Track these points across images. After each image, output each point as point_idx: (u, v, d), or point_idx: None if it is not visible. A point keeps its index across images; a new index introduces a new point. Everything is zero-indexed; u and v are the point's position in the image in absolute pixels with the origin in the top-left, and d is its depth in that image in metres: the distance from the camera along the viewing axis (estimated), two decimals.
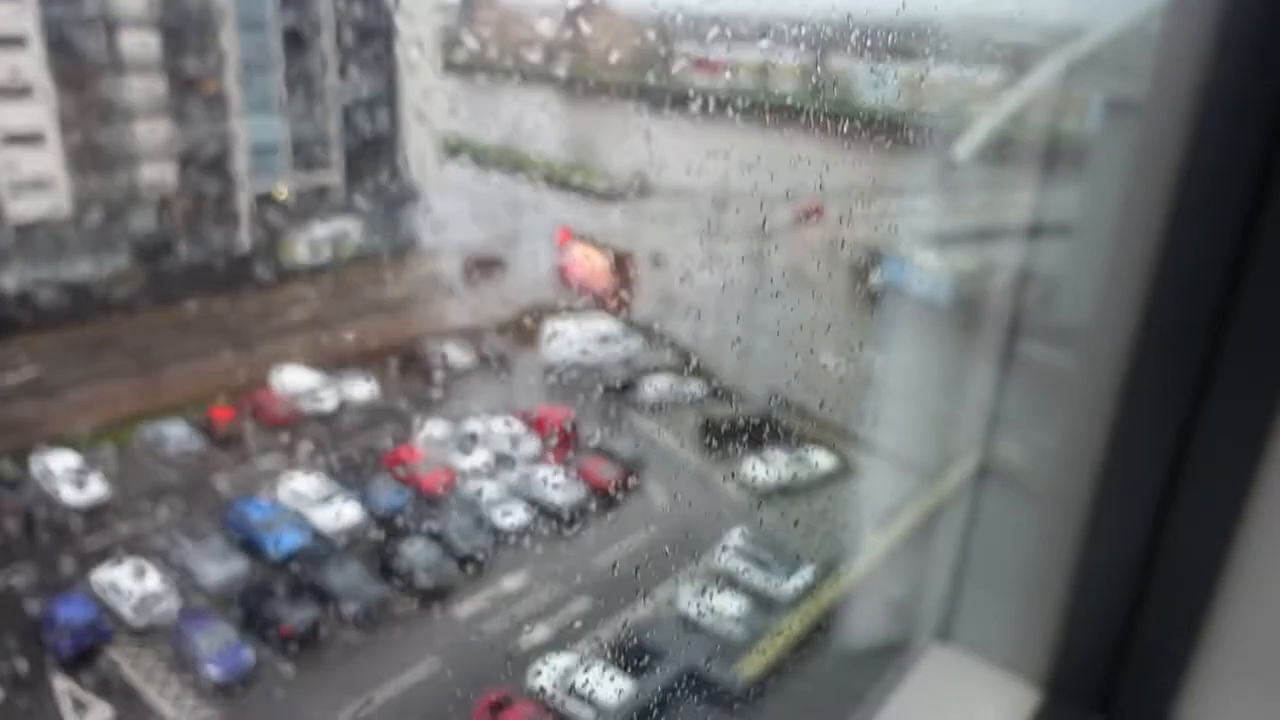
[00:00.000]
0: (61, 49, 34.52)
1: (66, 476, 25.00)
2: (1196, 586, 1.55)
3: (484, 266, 40.37)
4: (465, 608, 22.66)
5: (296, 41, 41.09)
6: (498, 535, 24.39)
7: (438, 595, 22.84)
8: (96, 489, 25.00)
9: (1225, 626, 1.53)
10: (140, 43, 36.43)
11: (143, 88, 37.16)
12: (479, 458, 26.59)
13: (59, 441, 26.20)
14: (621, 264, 38.34)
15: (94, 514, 24.42)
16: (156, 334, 33.82)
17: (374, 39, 45.19)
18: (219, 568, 22.76)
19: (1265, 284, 1.40)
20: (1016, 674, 2.02)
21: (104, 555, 22.82)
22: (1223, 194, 1.45)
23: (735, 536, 24.07)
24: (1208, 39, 1.42)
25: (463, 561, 23.61)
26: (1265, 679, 1.51)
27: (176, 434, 27.17)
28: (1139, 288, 1.54)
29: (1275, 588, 1.50)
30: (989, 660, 2.16)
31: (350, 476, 26.25)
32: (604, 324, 35.30)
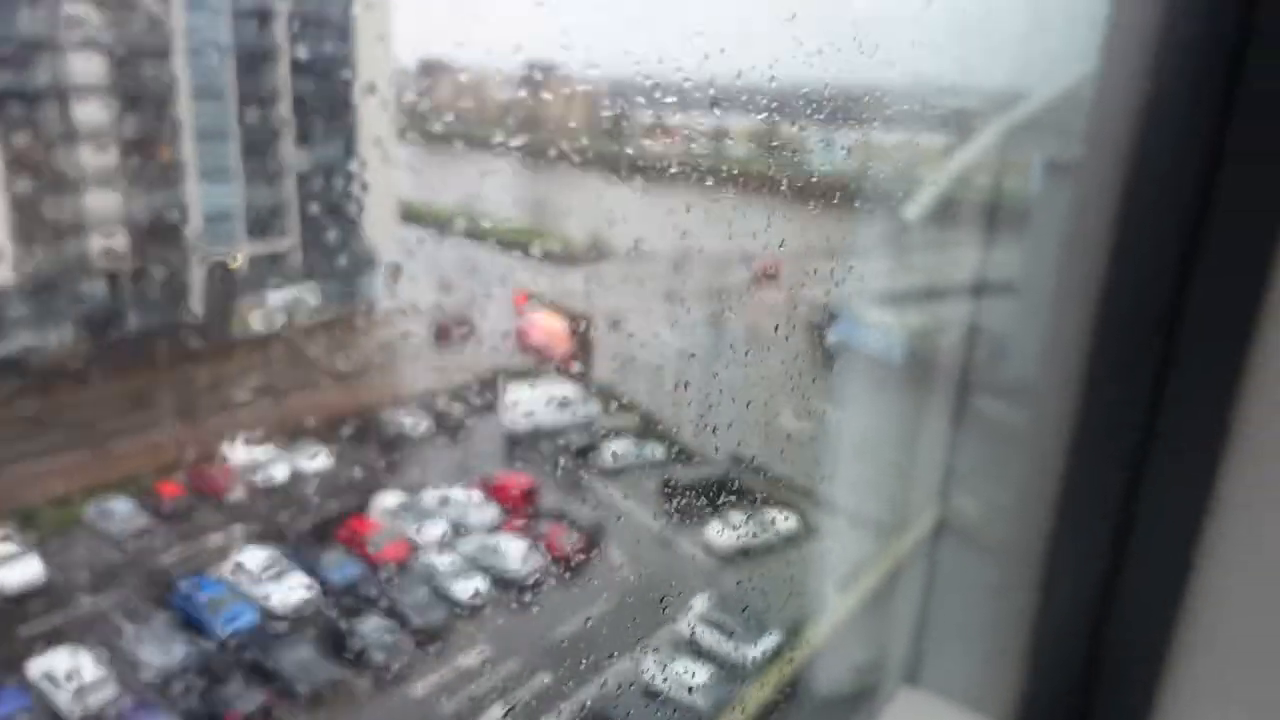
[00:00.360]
0: (11, 117, 34.23)
1: (2, 558, 23.99)
2: (1154, 625, 1.55)
3: (458, 327, 40.30)
4: (422, 686, 21.96)
5: (253, 109, 41.24)
6: (456, 608, 23.80)
7: (393, 674, 22.13)
8: (33, 571, 23.99)
9: (1185, 661, 1.54)
10: (94, 111, 36.27)
11: (95, 156, 36.89)
12: (436, 528, 26.08)
13: None
14: (580, 327, 38.44)
15: (31, 598, 23.38)
16: (102, 407, 32.94)
17: (332, 106, 45.55)
18: (163, 651, 21.86)
19: (1201, 335, 1.44)
20: (985, 713, 1.99)
21: (41, 642, 21.80)
22: (1157, 250, 1.50)
23: (698, 602, 23.78)
24: (1138, 104, 1.48)
25: (419, 637, 22.97)
26: (1223, 713, 1.52)
27: (121, 511, 26.28)
28: (1082, 343, 1.57)
29: (1229, 625, 1.50)
30: (958, 701, 2.13)
31: (302, 550, 25.54)
32: (563, 388, 35.14)
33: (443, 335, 40.77)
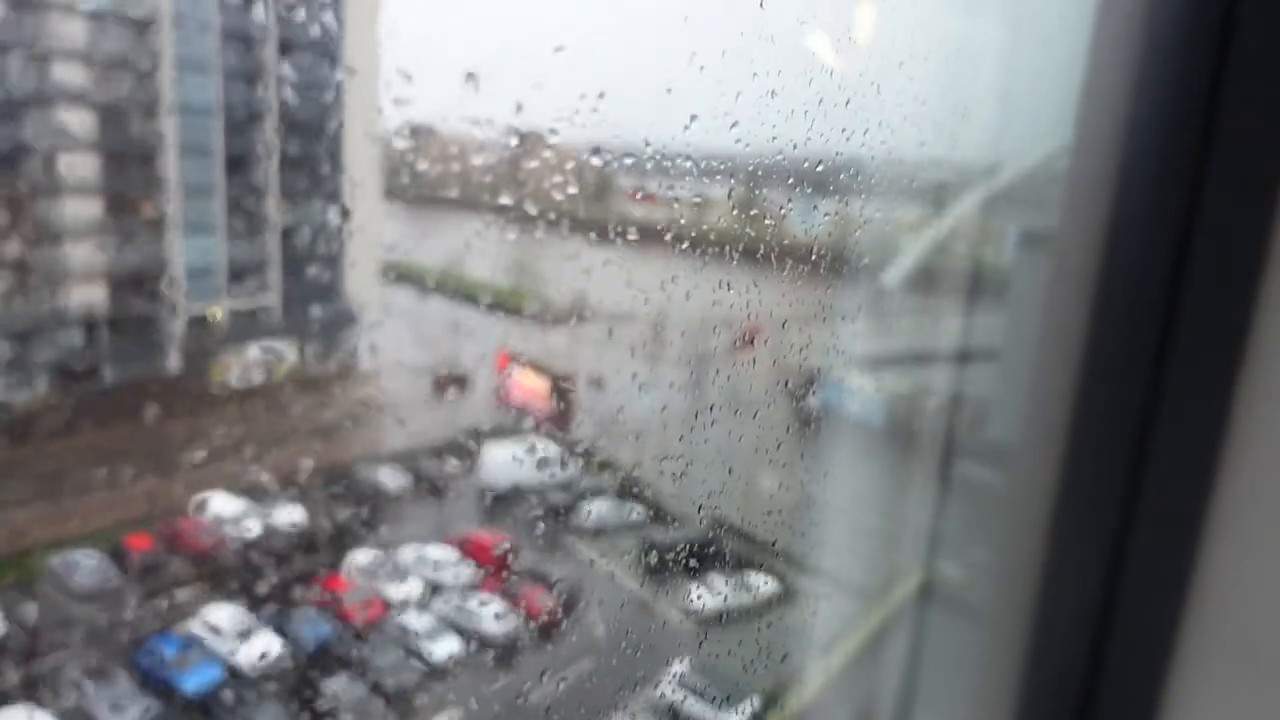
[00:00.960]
0: None
1: None
2: (1142, 692, 1.57)
3: (455, 382, 40.26)
4: None
5: (240, 166, 41.52)
6: (429, 669, 23.28)
7: None
8: None
9: None
10: (79, 165, 36.39)
11: (77, 209, 36.91)
12: (411, 586, 25.63)
13: None
14: (561, 387, 38.41)
15: None
16: (74, 459, 32.39)
17: (318, 165, 45.94)
18: (124, 711, 21.16)
19: (1181, 401, 1.50)
20: None
21: None
22: (1135, 319, 1.56)
23: (677, 666, 23.37)
24: (1112, 175, 1.55)
25: (390, 699, 22.39)
26: None
27: (87, 565, 25.65)
28: (1063, 407, 1.62)
29: (1215, 696, 1.52)
30: None
31: (272, 608, 24.98)
32: (543, 447, 34.96)
33: (440, 387, 40.70)
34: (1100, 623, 1.55)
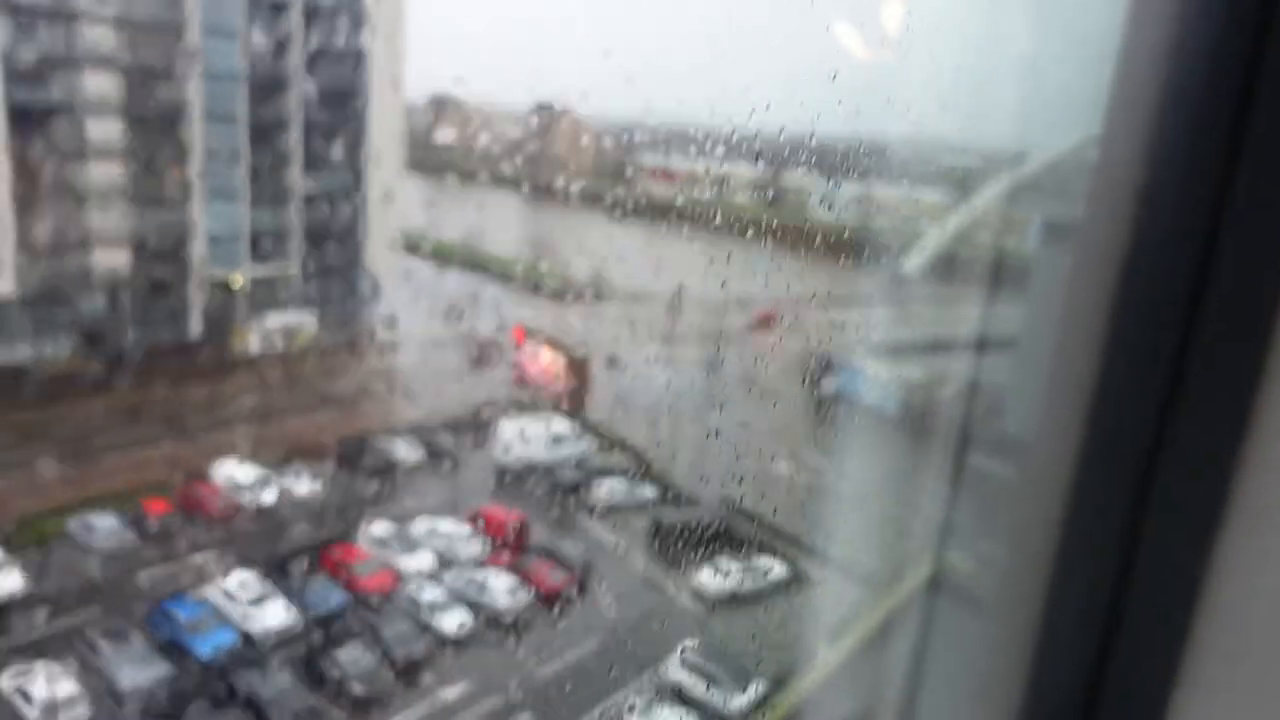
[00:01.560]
0: (23, 130, 34.51)
1: None
2: (1152, 687, 1.55)
3: (474, 356, 40.50)
4: (400, 719, 21.59)
5: (264, 134, 41.60)
6: (439, 641, 23.48)
7: (371, 705, 21.75)
8: (13, 582, 23.67)
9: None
10: (105, 129, 36.58)
11: (104, 172, 37.14)
12: (423, 559, 25.80)
13: None
14: (577, 365, 38.47)
15: (9, 610, 23.05)
16: (96, 421, 32.81)
17: (341, 134, 45.97)
18: (139, 672, 21.47)
19: (1201, 396, 1.46)
20: None
21: (16, 655, 21.44)
22: (1157, 313, 1.52)
23: (685, 647, 23.49)
24: (1140, 169, 1.51)
25: (400, 669, 22.61)
26: None
27: (105, 526, 25.96)
28: (1081, 401, 1.59)
29: (1229, 683, 1.50)
30: None
31: (286, 575, 25.25)
32: (558, 424, 35.12)
33: (479, 356, 40.82)
34: (1110, 620, 1.53)
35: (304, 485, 28.97)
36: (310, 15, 41.28)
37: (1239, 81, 1.36)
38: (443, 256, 61.76)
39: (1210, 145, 1.37)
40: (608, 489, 30.47)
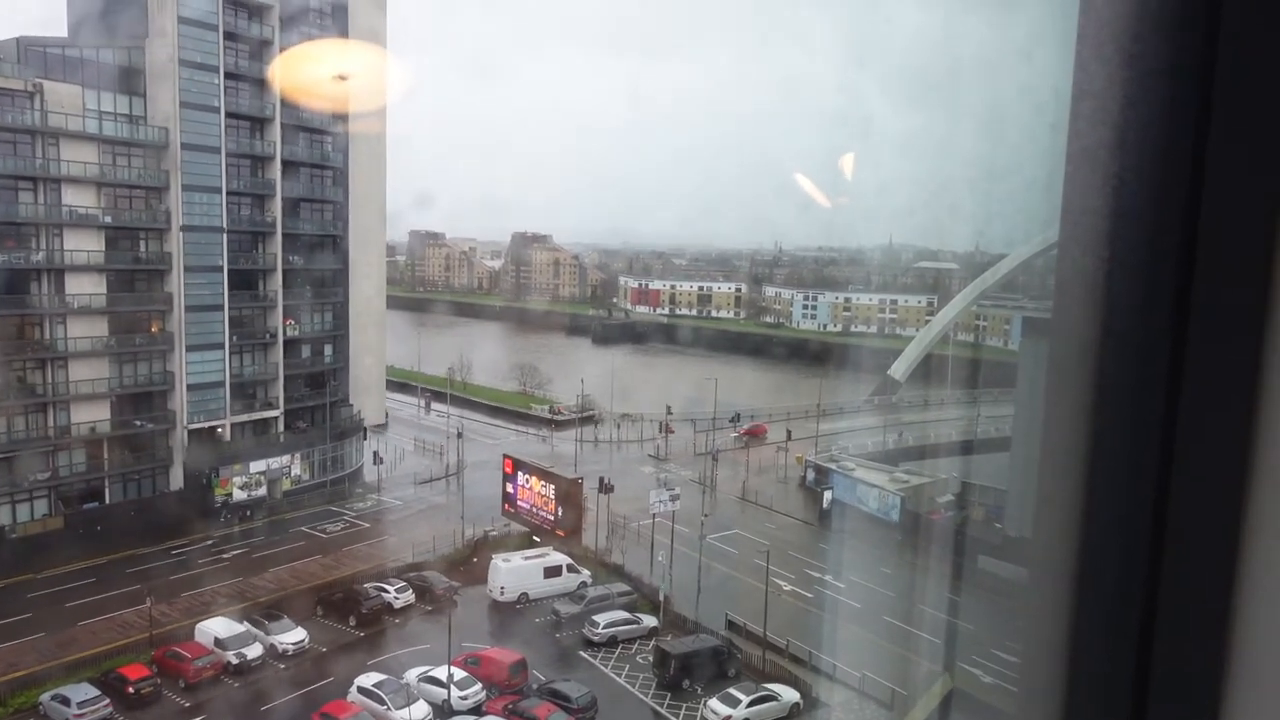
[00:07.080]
0: (2, 294, 34.85)
1: None
2: None
3: (459, 486, 39.80)
4: None
5: (245, 283, 42.19)
6: None
7: None
8: None
9: None
10: (86, 287, 37.02)
11: (84, 330, 37.36)
12: (419, 711, 24.49)
13: None
14: (569, 491, 37.98)
15: None
16: (73, 582, 31.84)
17: (322, 280, 46.66)
18: None
19: (1193, 481, 1.46)
20: None
21: None
22: (1138, 403, 1.53)
23: None
24: (1100, 264, 1.55)
25: None
26: None
27: (80, 698, 24.27)
28: (1076, 497, 1.57)
29: None
30: None
31: None
32: (553, 556, 34.35)
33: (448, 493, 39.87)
34: (1134, 711, 1.48)
35: (290, 636, 27.81)
36: (289, 167, 42.58)
37: (1188, 170, 1.40)
38: (427, 390, 61.93)
39: (1168, 225, 1.40)
40: (607, 620, 29.52)
